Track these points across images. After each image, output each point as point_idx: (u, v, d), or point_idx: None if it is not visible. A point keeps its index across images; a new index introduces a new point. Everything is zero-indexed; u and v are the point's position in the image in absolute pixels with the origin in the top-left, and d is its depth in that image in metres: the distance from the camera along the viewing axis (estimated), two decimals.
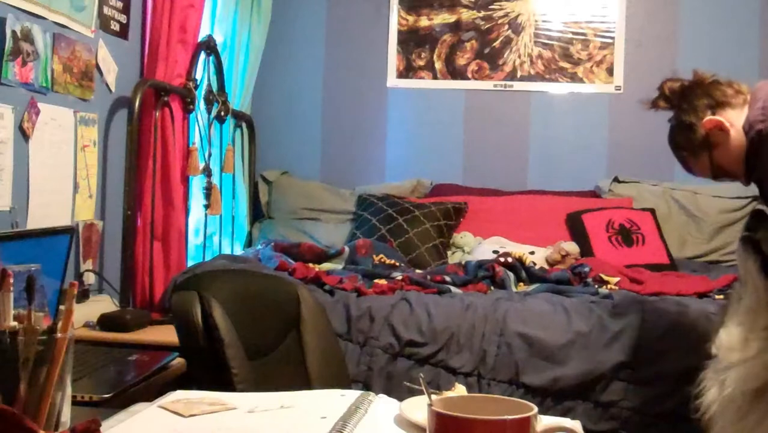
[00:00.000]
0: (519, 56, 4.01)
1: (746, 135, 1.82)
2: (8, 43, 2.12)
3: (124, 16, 2.82)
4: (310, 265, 2.95)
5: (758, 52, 3.87)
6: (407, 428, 1.04)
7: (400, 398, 1.13)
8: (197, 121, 3.12)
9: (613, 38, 3.97)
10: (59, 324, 0.83)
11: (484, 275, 2.86)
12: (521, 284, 2.89)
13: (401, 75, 4.08)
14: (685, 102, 1.94)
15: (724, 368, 1.51)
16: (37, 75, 2.26)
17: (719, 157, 1.91)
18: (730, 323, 1.57)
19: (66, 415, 0.84)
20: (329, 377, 1.58)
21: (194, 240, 3.19)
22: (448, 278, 2.79)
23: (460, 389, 1.27)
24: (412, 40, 4.07)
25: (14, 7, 2.15)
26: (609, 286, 2.76)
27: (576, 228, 3.50)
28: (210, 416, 1.06)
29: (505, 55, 4.02)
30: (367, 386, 2.33)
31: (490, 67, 4.03)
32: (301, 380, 1.55)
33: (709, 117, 1.89)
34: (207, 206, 3.16)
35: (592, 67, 3.98)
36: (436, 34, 4.06)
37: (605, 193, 3.81)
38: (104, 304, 2.52)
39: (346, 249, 3.15)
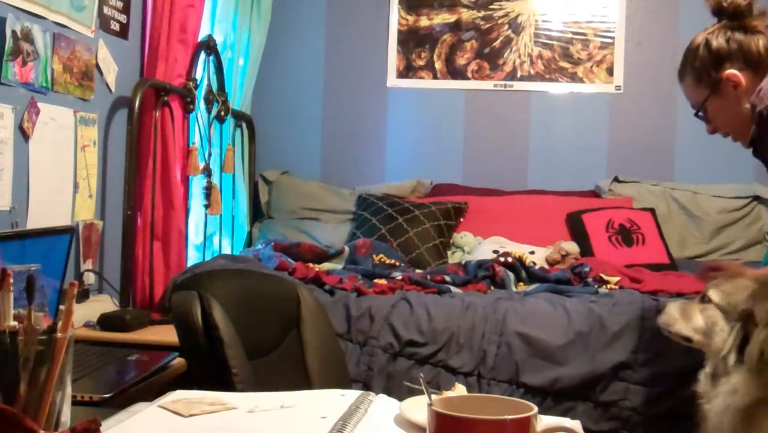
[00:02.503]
0: (519, 56, 4.00)
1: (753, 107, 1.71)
2: (8, 43, 2.12)
3: (124, 16, 2.82)
4: (310, 265, 2.95)
5: None
6: (407, 428, 1.04)
7: (400, 398, 1.13)
8: (197, 121, 3.12)
9: (613, 38, 3.96)
10: (59, 324, 0.83)
11: (484, 275, 2.86)
12: (521, 283, 2.89)
13: (401, 75, 4.08)
14: (733, 25, 1.82)
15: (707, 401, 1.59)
16: (37, 75, 2.26)
17: (714, 104, 1.84)
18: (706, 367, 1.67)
19: (66, 415, 0.84)
20: (329, 377, 1.58)
21: (194, 240, 3.19)
22: (448, 278, 2.79)
23: (460, 389, 1.27)
24: (412, 40, 4.07)
25: (14, 7, 2.15)
26: (609, 286, 2.76)
27: (576, 228, 3.50)
28: (210, 416, 1.06)
29: (505, 55, 4.02)
30: (367, 386, 2.33)
31: (490, 67, 4.03)
32: (301, 380, 1.55)
33: (733, 71, 1.80)
34: (207, 206, 3.16)
35: (592, 67, 3.98)
36: (436, 34, 4.06)
37: (605, 193, 3.81)
38: (104, 304, 2.52)
39: (346, 249, 3.15)
